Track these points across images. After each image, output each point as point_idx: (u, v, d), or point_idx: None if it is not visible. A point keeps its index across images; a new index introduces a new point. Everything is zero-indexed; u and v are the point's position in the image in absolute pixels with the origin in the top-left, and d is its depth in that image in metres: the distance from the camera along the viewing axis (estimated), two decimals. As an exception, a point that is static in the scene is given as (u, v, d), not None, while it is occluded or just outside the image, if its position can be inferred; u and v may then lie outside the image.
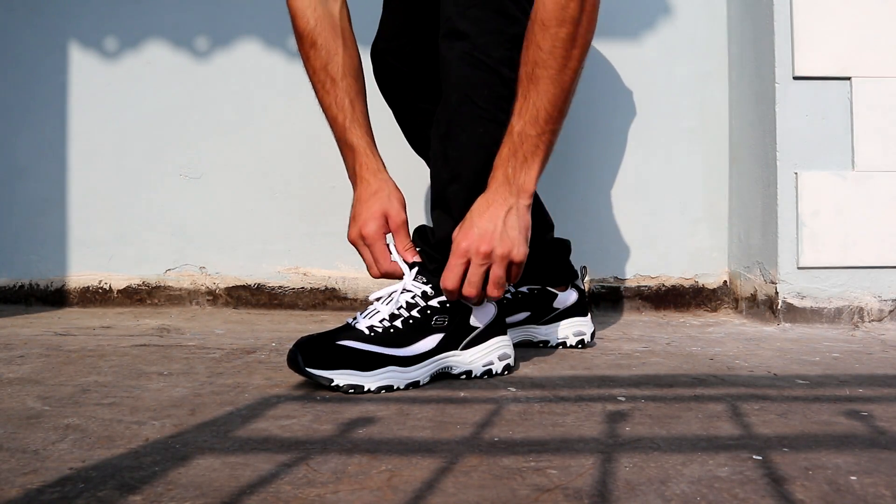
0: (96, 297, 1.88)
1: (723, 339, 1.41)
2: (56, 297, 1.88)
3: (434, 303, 1.02)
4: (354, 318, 1.01)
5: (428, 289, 1.03)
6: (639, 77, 1.85)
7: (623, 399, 0.91)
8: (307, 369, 0.93)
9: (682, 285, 1.84)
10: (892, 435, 0.75)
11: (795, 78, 1.56)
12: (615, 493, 0.59)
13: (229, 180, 1.88)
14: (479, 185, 1.01)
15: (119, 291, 1.88)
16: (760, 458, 0.68)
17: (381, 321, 1.00)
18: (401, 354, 0.97)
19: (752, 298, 1.69)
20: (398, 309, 1.01)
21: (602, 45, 1.85)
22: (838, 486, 0.60)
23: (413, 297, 1.02)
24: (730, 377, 1.05)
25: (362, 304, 1.84)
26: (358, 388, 0.94)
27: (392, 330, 0.99)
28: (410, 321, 1.00)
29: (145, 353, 1.22)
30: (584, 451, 0.70)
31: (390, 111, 1.33)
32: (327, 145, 1.99)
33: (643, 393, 0.95)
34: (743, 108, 1.76)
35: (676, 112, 1.86)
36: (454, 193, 1.04)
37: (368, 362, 0.95)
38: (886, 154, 1.56)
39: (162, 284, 1.87)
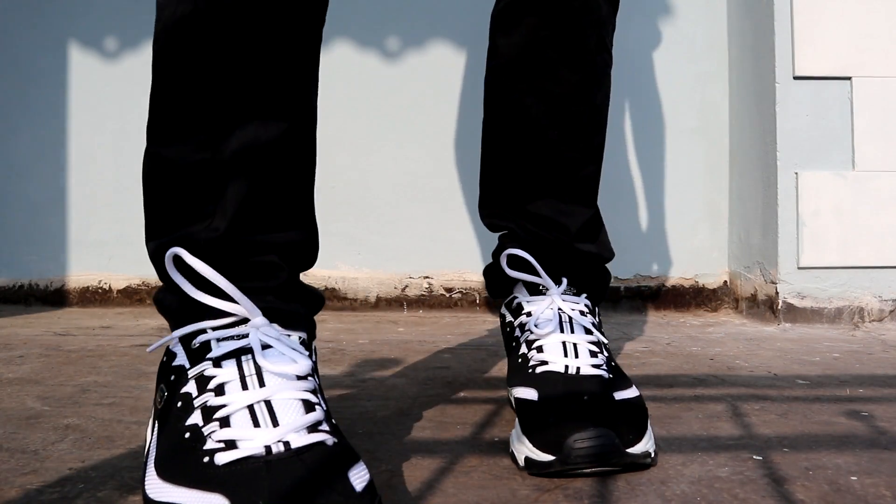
0: (96, 297, 1.88)
1: (723, 339, 1.40)
2: (56, 297, 1.88)
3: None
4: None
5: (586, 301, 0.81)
6: (639, 77, 1.85)
7: (623, 399, 0.91)
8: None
9: (682, 285, 1.84)
10: (893, 435, 0.75)
11: (795, 78, 1.56)
12: (615, 493, 0.59)
13: (229, 180, 1.88)
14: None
15: (119, 291, 1.88)
16: (761, 458, 0.68)
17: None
18: None
19: (753, 298, 1.69)
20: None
21: (602, 45, 1.85)
22: (839, 487, 0.60)
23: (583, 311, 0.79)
24: (730, 377, 1.04)
25: (362, 304, 1.83)
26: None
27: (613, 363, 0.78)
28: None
29: (145, 353, 1.22)
30: (585, 451, 0.70)
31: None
32: (327, 145, 1.99)
33: (643, 393, 0.94)
34: (743, 108, 1.76)
35: (676, 112, 1.85)
36: (592, 176, 0.81)
37: None
38: (886, 154, 1.56)
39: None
